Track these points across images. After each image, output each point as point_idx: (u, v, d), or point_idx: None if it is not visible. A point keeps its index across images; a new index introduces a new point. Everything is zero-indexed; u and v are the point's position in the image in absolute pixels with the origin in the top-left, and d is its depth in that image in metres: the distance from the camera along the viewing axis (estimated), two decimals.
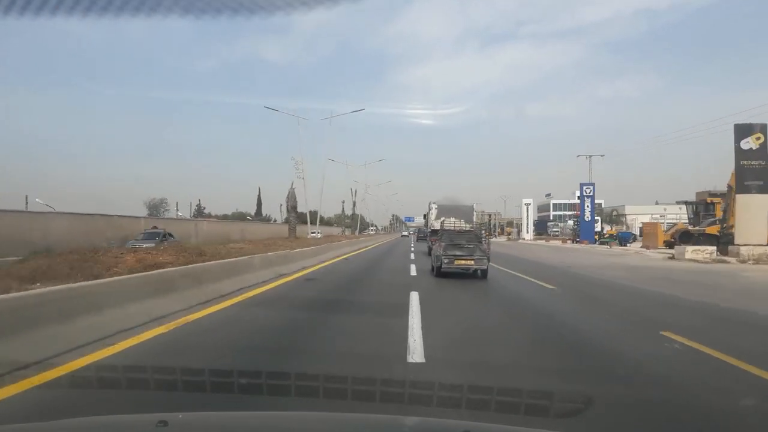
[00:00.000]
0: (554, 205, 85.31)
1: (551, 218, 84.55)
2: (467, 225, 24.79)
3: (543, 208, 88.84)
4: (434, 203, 25.24)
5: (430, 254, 26.12)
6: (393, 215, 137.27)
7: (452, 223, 25.11)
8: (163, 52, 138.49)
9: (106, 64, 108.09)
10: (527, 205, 68.31)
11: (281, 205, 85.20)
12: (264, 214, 75.58)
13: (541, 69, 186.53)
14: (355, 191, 60.67)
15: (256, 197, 76.48)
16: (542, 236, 68.11)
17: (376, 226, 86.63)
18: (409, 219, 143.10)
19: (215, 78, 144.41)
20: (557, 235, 66.58)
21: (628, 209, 69.15)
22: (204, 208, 64.89)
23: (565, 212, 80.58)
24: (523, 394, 3.19)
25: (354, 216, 62.84)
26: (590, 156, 55.98)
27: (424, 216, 35.76)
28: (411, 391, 3.34)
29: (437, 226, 24.81)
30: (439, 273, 12.22)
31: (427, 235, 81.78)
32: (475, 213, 25.61)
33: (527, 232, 67.99)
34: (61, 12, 2.68)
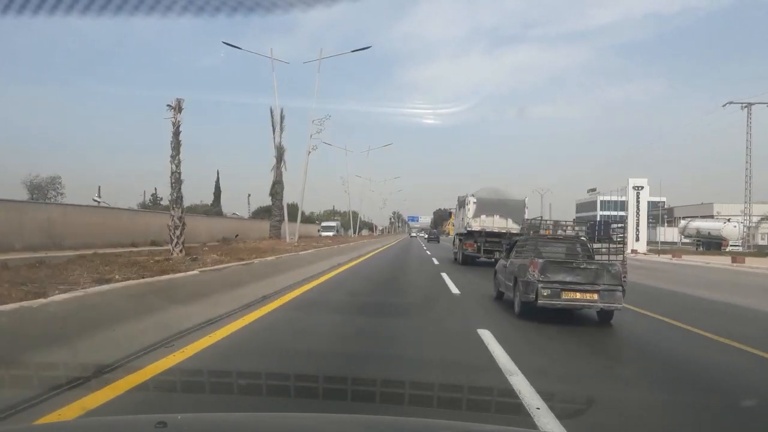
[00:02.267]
0: (601, 203, 79.40)
1: (598, 218, 78.17)
2: (516, 226, 20.88)
3: (584, 206, 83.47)
4: (472, 195, 21.21)
5: (460, 261, 22.37)
6: (394, 212, 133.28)
7: (494, 222, 21.26)
8: (161, 51, 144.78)
9: (102, 61, 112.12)
10: (638, 190, 36.60)
11: (248, 195, 77.42)
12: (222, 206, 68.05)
13: (548, 71, 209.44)
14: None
15: (214, 183, 63.79)
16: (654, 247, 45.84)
17: (335, 223, 64.57)
18: (413, 219, 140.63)
19: (216, 76, 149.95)
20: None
21: (717, 208, 56.50)
22: (161, 198, 59.95)
23: (620, 212, 73.12)
24: (524, 395, 3.90)
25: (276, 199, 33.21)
26: (749, 105, 42.29)
27: (449, 214, 31.64)
28: (411, 392, 3.69)
29: (476, 226, 20.77)
30: (527, 309, 7.96)
31: (437, 236, 76.41)
32: (527, 209, 21.66)
33: (636, 239, 42.76)
34: (59, 11, 2.92)
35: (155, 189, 61.40)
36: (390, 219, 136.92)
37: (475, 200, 20.88)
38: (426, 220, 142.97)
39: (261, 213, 68.36)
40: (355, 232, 61.77)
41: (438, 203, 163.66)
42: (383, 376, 4.40)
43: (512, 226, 20.66)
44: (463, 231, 21.25)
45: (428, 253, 31.59)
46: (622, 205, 75.87)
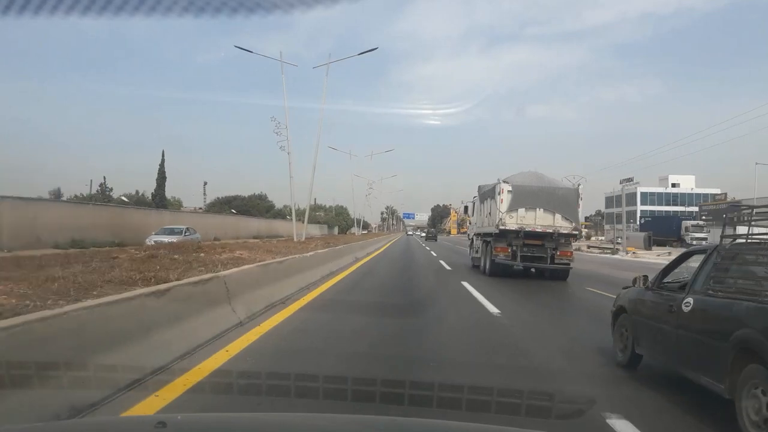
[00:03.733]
0: (642, 195, 71.98)
1: (639, 213, 65.24)
2: (566, 223, 16.54)
3: (617, 200, 77.13)
4: (506, 182, 16.77)
5: (487, 271, 17.92)
6: (387, 207, 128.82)
7: (537, 218, 16.87)
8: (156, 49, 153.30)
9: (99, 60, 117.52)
10: None
11: (204, 183, 70.18)
12: (172, 198, 59.58)
13: (547, 71, 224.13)
14: None
15: (158, 168, 53.97)
16: None
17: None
18: (408, 216, 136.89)
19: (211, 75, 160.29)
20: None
21: None
22: (110, 188, 54.22)
23: (672, 207, 65.89)
24: (524, 395, 3.75)
25: None
26: None
27: (465, 209, 27.18)
28: (411, 392, 3.66)
29: (511, 224, 16.30)
30: None
31: (435, 235, 72.87)
32: (581, 201, 17.28)
33: None
34: (59, 11, 3.07)
35: (104, 177, 55.92)
36: (382, 214, 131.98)
37: (510, 188, 16.41)
38: (422, 217, 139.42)
39: (218, 206, 62.22)
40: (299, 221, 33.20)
41: (432, 203, 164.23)
42: None
43: (561, 224, 16.29)
44: (493, 230, 16.79)
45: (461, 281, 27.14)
46: (668, 199, 69.36)
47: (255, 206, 63.74)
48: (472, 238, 22.09)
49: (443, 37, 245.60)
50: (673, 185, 69.72)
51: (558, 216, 16.31)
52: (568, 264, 16.57)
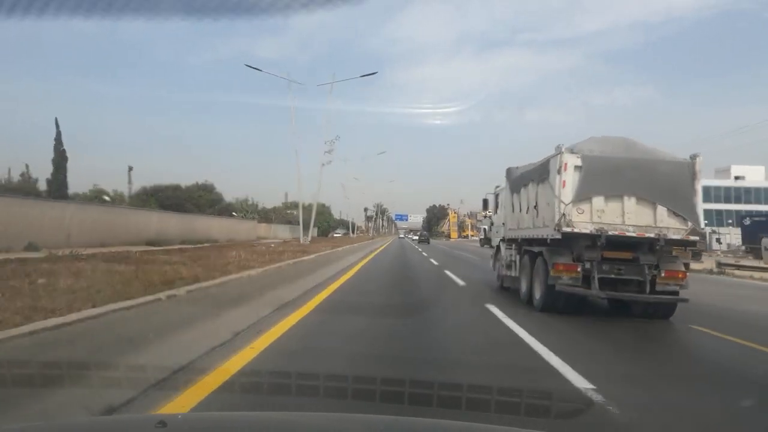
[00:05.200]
0: (743, 191, 59.48)
1: (742, 214, 49.29)
2: (677, 223, 10.29)
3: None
4: (572, 153, 10.57)
5: (538, 304, 11.47)
6: (377, 205, 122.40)
7: (627, 213, 10.68)
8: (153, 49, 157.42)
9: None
10: None
11: (130, 168, 55.37)
12: (114, 191, 51.79)
13: (541, 74, 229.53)
14: None
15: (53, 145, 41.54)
16: None
17: None
18: (401, 217, 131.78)
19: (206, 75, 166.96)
20: None
21: None
22: (35, 178, 46.51)
23: (740, 206, 56.07)
24: (523, 394, 4.05)
25: None
26: None
27: (484, 204, 20.63)
28: (411, 391, 3.97)
29: (582, 222, 10.05)
30: None
31: (427, 238, 68.01)
32: (698, 183, 10.95)
33: None
34: (64, 13, 3.59)
35: (26, 166, 48.38)
36: (366, 211, 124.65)
37: (579, 162, 10.11)
38: (416, 219, 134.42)
39: (143, 197, 51.87)
40: None
41: (425, 205, 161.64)
42: None
43: (668, 224, 10.09)
44: (549, 233, 10.55)
45: None
46: (737, 195, 60.07)
47: (194, 199, 52.99)
48: (498, 246, 15.85)
49: (437, 42, 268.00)
50: (737, 178, 61.87)
51: (662, 210, 10.16)
52: (677, 293, 10.39)
